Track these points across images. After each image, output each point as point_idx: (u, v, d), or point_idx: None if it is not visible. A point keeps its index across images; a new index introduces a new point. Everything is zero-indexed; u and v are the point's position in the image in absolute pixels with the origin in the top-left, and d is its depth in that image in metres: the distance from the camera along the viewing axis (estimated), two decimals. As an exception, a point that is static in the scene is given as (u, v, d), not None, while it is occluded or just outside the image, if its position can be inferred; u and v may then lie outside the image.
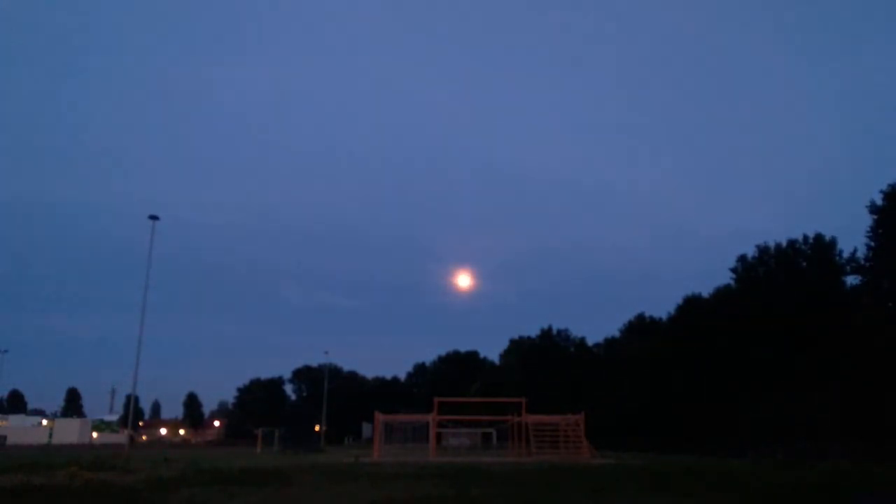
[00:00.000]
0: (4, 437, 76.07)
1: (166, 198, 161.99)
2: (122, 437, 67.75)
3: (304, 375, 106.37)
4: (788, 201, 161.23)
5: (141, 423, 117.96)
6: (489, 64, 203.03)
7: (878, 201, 37.97)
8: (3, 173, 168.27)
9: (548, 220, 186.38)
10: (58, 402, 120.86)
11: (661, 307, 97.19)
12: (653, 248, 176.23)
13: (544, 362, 72.45)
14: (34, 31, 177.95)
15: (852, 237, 42.26)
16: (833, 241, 43.58)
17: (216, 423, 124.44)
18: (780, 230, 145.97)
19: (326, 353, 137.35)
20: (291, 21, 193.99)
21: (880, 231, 38.11)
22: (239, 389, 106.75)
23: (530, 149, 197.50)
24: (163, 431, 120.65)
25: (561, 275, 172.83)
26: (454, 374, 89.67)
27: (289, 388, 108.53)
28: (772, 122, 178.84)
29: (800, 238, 45.30)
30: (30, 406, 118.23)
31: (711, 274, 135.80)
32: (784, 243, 45.94)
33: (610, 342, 70.73)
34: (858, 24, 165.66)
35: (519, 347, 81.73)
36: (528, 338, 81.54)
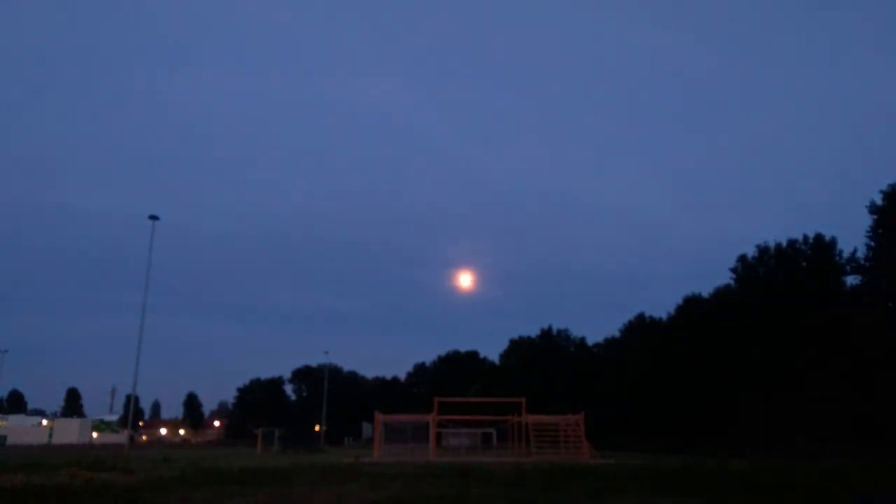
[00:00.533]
0: (4, 437, 76.12)
1: (167, 201, 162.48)
2: (122, 437, 67.81)
3: (304, 375, 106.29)
4: (788, 201, 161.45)
5: (141, 423, 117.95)
6: (482, 75, 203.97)
7: (878, 201, 38.00)
8: (5, 177, 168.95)
9: (547, 220, 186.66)
10: (58, 402, 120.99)
11: (661, 307, 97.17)
12: (653, 248, 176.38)
13: (544, 362, 72.44)
14: (48, 43, 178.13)
15: (852, 237, 42.31)
16: (833, 241, 43.54)
17: (216, 423, 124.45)
18: (779, 230, 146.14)
19: (326, 353, 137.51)
20: (280, 31, 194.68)
21: (880, 231, 38.14)
22: (239, 389, 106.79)
23: (529, 152, 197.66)
24: (163, 431, 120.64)
25: (560, 275, 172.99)
26: (454, 374, 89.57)
27: (289, 388, 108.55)
28: (771, 121, 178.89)
29: (800, 238, 45.30)
30: (30, 406, 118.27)
31: (711, 274, 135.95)
32: (784, 243, 45.93)
33: (610, 342, 70.69)
34: (859, 23, 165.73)
35: (519, 347, 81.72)
36: (528, 338, 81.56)
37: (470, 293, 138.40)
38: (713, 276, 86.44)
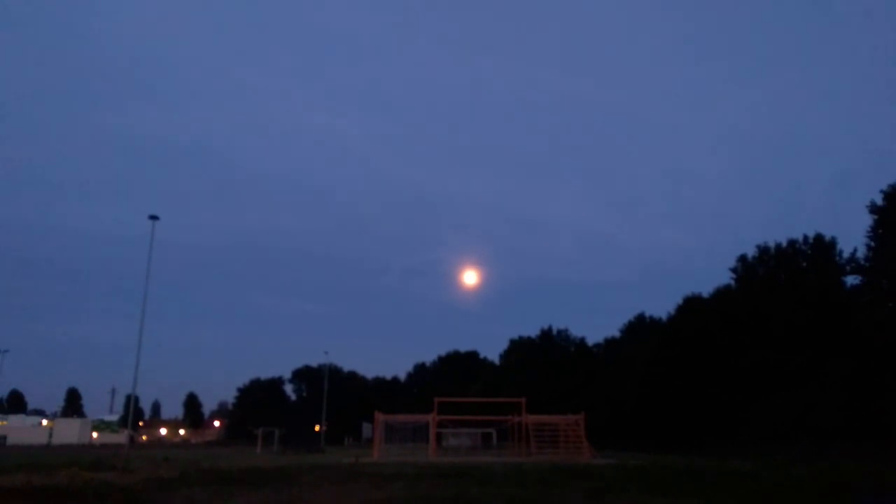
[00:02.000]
0: (4, 437, 76.14)
1: (169, 205, 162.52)
2: (122, 438, 67.72)
3: (304, 375, 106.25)
4: (789, 201, 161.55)
5: (141, 424, 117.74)
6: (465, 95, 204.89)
7: (878, 201, 37.96)
8: (7, 190, 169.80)
9: (546, 220, 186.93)
10: (58, 402, 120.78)
11: (662, 307, 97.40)
12: (653, 248, 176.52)
13: (544, 362, 72.42)
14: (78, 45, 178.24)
15: (852, 237, 42.31)
16: (833, 241, 43.55)
17: (216, 424, 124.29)
18: (780, 230, 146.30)
19: (326, 353, 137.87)
20: (259, 57, 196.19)
21: (880, 231, 38.08)
22: (239, 389, 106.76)
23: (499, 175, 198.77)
24: (163, 431, 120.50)
25: (560, 275, 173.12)
26: (454, 374, 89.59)
27: (289, 388, 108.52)
28: (771, 120, 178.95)
29: (800, 238, 45.31)
30: (30, 406, 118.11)
31: (712, 274, 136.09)
32: (784, 243, 45.93)
33: (610, 342, 70.72)
34: (859, 22, 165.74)
35: (519, 347, 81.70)
36: (528, 338, 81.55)
37: (471, 293, 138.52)
38: (713, 276, 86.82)
